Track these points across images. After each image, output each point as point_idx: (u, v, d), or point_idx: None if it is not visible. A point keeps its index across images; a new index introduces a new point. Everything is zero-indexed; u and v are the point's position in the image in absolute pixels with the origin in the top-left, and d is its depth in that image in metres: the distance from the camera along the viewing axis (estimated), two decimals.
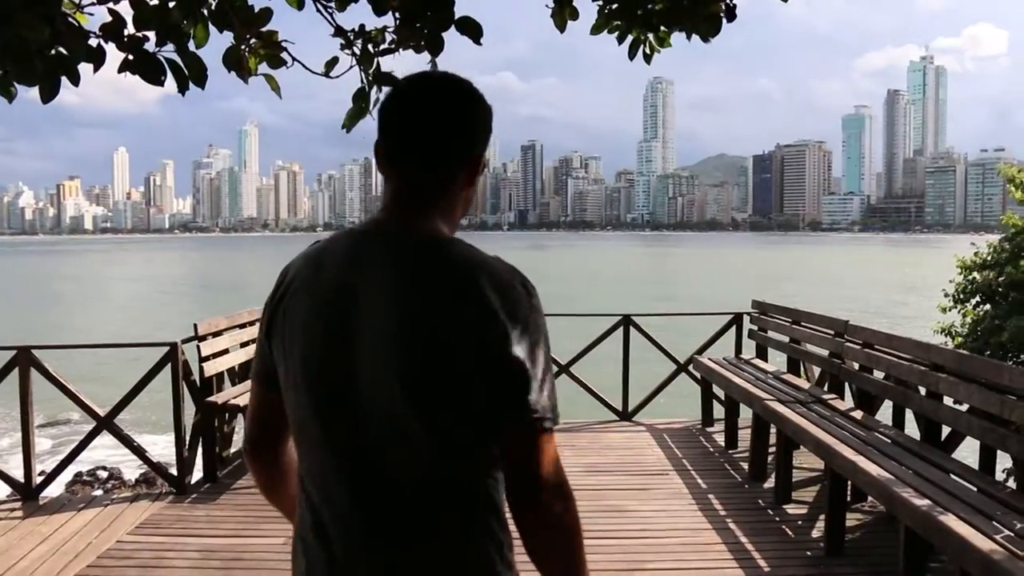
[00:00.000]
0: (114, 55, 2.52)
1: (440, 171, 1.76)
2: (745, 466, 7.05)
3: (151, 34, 2.52)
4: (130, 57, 2.50)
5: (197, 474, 6.97)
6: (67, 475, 11.71)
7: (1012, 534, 3.76)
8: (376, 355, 1.62)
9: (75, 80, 2.49)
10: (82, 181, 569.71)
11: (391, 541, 1.65)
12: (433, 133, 1.74)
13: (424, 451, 1.62)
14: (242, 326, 7.77)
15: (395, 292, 1.63)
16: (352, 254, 1.71)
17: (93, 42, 2.49)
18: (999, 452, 5.03)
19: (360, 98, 2.92)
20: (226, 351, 7.34)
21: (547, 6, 3.21)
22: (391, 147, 1.76)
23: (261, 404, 1.90)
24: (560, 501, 1.64)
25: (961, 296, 7.60)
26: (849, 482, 5.20)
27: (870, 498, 5.44)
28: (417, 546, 1.65)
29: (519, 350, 1.60)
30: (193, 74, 2.58)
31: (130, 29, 2.51)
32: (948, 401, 5.45)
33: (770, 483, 6.52)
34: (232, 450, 7.62)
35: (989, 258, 7.56)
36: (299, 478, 1.78)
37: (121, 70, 2.51)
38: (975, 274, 7.52)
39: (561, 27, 3.22)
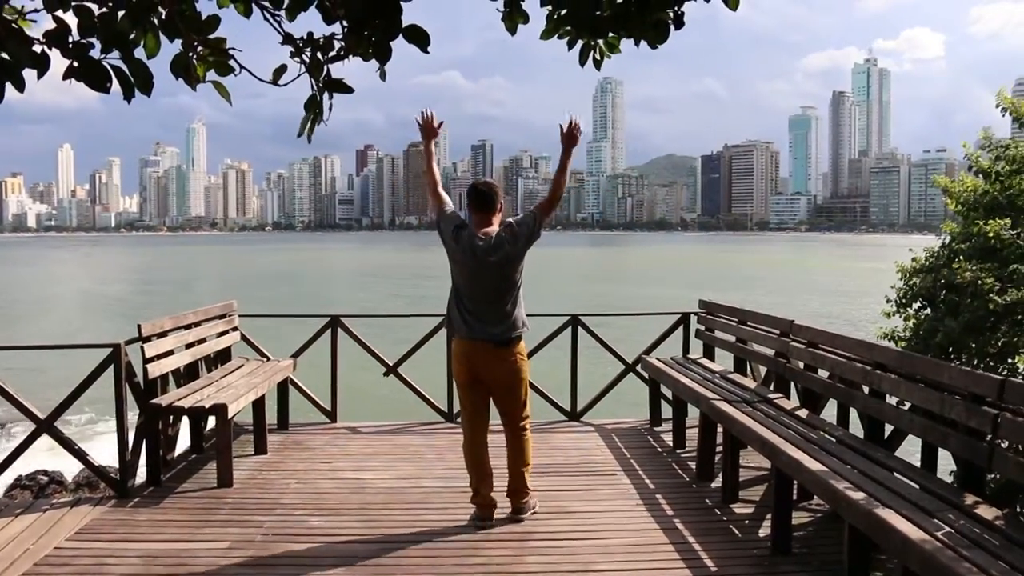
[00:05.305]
0: (59, 60, 2.48)
1: (493, 211, 5.89)
2: (693, 466, 7.12)
3: (96, 40, 2.49)
4: (75, 64, 2.45)
5: (140, 478, 6.84)
6: (5, 479, 11.55)
7: (952, 530, 3.84)
8: (491, 260, 5.70)
9: (20, 87, 2.44)
10: (25, 178, 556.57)
11: (495, 307, 5.78)
12: (489, 201, 5.89)
13: (504, 280, 5.78)
14: (187, 327, 7.66)
15: (491, 244, 5.71)
16: (474, 233, 5.80)
17: (37, 48, 2.44)
18: (940, 449, 5.13)
19: (312, 106, 2.91)
20: (171, 352, 7.21)
21: (498, 10, 3.24)
22: (478, 205, 5.86)
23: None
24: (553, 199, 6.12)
25: (903, 301, 7.71)
26: (795, 481, 5.27)
27: (816, 496, 5.50)
28: (503, 306, 5.78)
29: (528, 236, 5.85)
30: (139, 81, 2.54)
31: (75, 36, 2.47)
32: (891, 400, 5.55)
33: (717, 482, 6.59)
34: (176, 453, 7.51)
35: (927, 263, 7.67)
36: (456, 300, 5.88)
37: (66, 77, 2.46)
38: (915, 279, 7.63)
39: (512, 30, 3.26)
